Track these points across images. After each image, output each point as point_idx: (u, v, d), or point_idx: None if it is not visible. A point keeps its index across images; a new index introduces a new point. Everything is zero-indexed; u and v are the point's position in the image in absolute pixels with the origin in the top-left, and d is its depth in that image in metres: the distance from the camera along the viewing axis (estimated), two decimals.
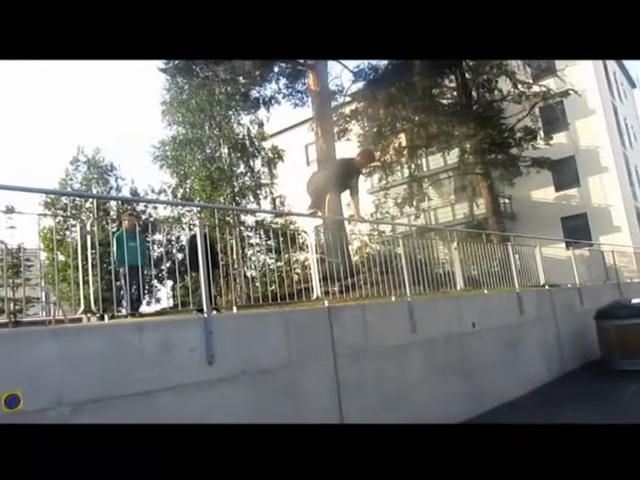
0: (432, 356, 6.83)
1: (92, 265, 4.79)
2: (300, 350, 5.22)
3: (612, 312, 9.76)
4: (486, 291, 8.52)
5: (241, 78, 14.61)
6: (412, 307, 6.72)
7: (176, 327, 4.46)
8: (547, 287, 10.18)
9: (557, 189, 25.89)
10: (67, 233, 17.09)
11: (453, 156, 23.29)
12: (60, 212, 18.85)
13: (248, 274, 13.25)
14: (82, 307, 4.62)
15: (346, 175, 7.04)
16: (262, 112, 19.06)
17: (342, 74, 26.23)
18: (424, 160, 26.77)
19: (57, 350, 3.70)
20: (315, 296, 6.21)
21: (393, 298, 6.80)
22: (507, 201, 26.21)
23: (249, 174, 19.43)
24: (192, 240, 6.40)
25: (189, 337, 4.38)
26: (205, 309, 4.53)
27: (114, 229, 6.69)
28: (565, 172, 24.93)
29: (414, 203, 23.51)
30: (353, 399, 5.62)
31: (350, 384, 5.63)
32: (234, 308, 5.65)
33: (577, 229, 23.45)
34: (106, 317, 4.88)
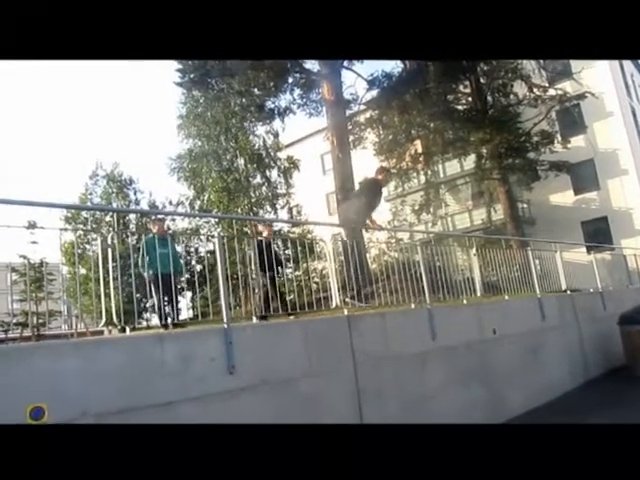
0: (452, 363, 6.76)
1: (113, 278, 4.84)
2: (320, 359, 5.21)
3: (636, 317, 9.57)
4: (507, 297, 8.43)
5: (256, 90, 14.73)
6: (432, 314, 6.67)
7: (196, 338, 4.49)
8: (569, 292, 10.03)
9: (576, 193, 25.54)
10: (88, 247, 17.36)
11: (470, 161, 23.15)
12: (81, 226, 19.13)
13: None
14: (103, 320, 4.68)
15: (374, 196, 7.25)
16: (277, 123, 19.23)
17: (356, 82, 26.28)
18: (440, 166, 26.67)
19: (80, 362, 3.74)
20: (334, 305, 6.21)
21: (412, 305, 6.76)
22: (525, 206, 25.92)
23: (266, 185, 19.53)
24: (259, 246, 6.56)
25: (209, 348, 4.40)
26: (225, 319, 4.55)
27: (134, 242, 6.70)
28: (584, 175, 24.62)
29: (431, 210, 23.41)
30: (373, 407, 5.59)
31: (370, 392, 5.60)
32: (254, 318, 5.66)
33: (598, 233, 23.10)
34: (127, 329, 4.92)
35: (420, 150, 21.56)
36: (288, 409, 4.81)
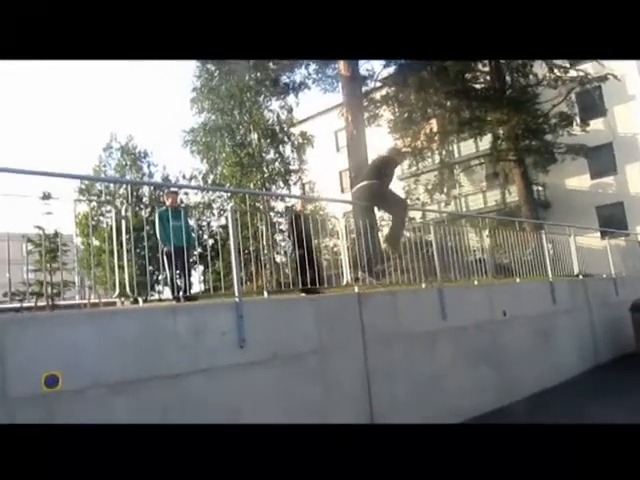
0: (462, 343, 6.77)
1: (126, 250, 4.87)
2: (330, 335, 5.24)
3: None
4: (518, 280, 8.39)
5: (271, 64, 14.59)
6: (442, 294, 6.67)
7: (208, 311, 4.52)
8: (581, 277, 9.95)
9: (593, 177, 25.22)
10: (101, 219, 17.47)
11: (485, 142, 22.86)
12: (94, 198, 19.25)
13: (278, 260, 13.32)
14: (117, 291, 4.72)
15: (386, 176, 7.00)
16: (291, 98, 19.07)
17: None
18: (455, 146, 26.39)
19: (93, 332, 3.79)
20: (345, 282, 6.22)
21: (423, 285, 6.75)
22: (540, 189, 25.64)
23: (279, 160, 19.47)
24: (296, 221, 6.61)
25: (221, 321, 4.44)
26: (236, 293, 4.57)
27: (147, 214, 6.72)
28: (602, 159, 24.22)
29: (445, 190, 23.23)
30: (382, 385, 5.63)
31: (380, 369, 5.63)
32: (265, 293, 5.69)
33: (613, 218, 22.80)
34: (140, 301, 4.97)
35: (435, 129, 21.29)
36: (297, 384, 4.86)
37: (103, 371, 3.71)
